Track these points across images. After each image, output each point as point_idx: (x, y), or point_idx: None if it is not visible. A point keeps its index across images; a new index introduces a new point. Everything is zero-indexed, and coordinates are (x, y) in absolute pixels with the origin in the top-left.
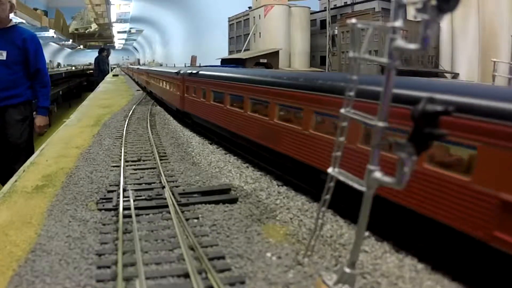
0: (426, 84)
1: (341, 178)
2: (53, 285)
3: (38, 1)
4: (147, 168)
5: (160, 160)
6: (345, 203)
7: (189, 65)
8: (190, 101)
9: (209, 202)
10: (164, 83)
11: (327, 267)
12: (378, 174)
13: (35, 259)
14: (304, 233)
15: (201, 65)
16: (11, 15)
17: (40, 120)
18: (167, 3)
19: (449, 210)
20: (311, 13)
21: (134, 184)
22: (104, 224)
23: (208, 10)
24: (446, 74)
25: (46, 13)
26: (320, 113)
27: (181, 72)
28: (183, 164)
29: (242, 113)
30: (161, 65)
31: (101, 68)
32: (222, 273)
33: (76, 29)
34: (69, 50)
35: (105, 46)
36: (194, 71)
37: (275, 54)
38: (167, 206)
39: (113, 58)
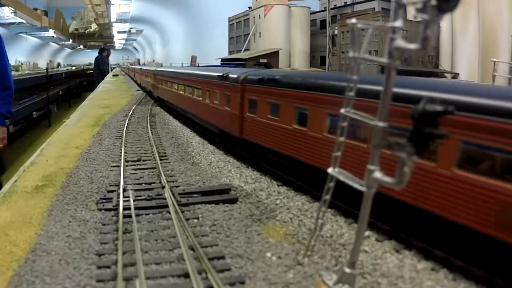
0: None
1: (341, 178)
2: (53, 285)
3: (38, 1)
4: (147, 168)
5: (160, 160)
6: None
7: (188, 64)
8: (261, 126)
9: (209, 202)
10: (191, 90)
11: (327, 267)
12: (378, 174)
13: (35, 259)
14: (304, 233)
15: (199, 65)
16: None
17: None
18: (167, 3)
19: None
20: (311, 13)
21: (134, 184)
22: (104, 224)
23: (208, 10)
24: (446, 74)
25: (46, 13)
26: None
27: (235, 76)
28: (183, 164)
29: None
30: (161, 65)
31: (101, 68)
32: (222, 273)
33: (76, 29)
34: (69, 50)
35: (105, 46)
36: (269, 77)
37: (275, 54)
38: (167, 206)
39: (113, 58)
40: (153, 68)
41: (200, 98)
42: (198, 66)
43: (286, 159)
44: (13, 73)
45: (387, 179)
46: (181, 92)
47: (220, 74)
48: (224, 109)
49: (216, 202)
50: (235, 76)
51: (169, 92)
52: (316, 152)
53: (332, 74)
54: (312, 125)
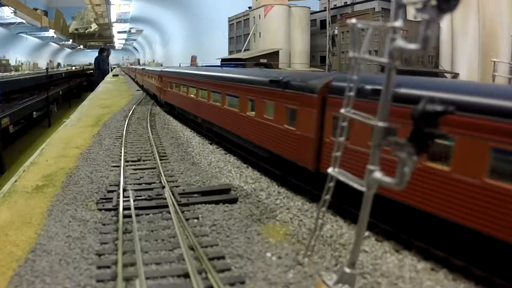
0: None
1: (341, 178)
2: (53, 285)
3: (38, 1)
4: (147, 168)
5: (160, 160)
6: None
7: (188, 64)
8: (357, 158)
9: (209, 202)
10: (221, 97)
11: (327, 267)
12: (378, 174)
13: (35, 259)
14: (304, 233)
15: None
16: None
17: None
18: (167, 3)
19: None
20: (311, 13)
21: (134, 184)
22: (104, 224)
23: (208, 10)
24: (446, 74)
25: (46, 13)
26: None
27: (304, 84)
28: (183, 164)
29: None
30: (161, 64)
31: (101, 68)
32: (222, 273)
33: (76, 29)
34: (69, 50)
35: (105, 46)
36: (375, 86)
37: (275, 54)
38: (167, 206)
39: (113, 58)
40: (159, 69)
41: (237, 110)
42: (221, 66)
43: (407, 209)
44: (13, 73)
45: (387, 179)
46: (202, 99)
47: (274, 78)
48: (283, 128)
49: (216, 202)
50: (306, 83)
51: (184, 99)
52: (468, 205)
53: (487, 86)
54: (462, 164)
